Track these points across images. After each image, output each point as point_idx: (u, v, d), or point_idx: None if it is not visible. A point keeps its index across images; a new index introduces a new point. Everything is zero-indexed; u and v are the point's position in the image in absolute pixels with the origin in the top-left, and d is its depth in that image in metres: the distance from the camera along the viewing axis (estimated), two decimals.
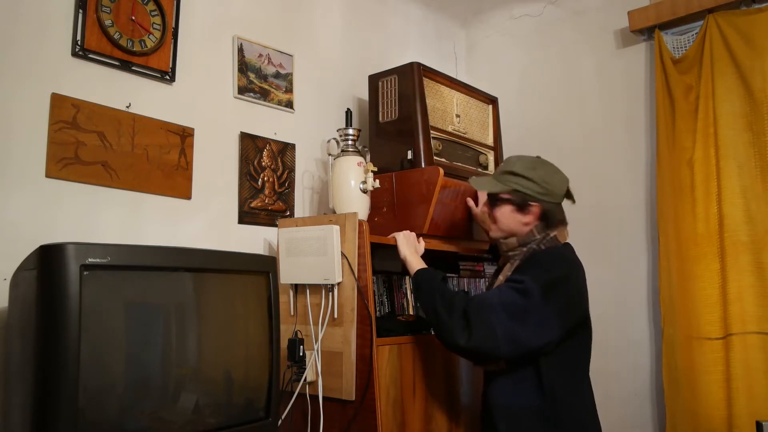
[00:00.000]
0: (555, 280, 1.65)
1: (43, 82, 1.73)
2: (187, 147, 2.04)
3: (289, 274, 2.00)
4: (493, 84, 2.99)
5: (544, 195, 1.75)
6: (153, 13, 1.97)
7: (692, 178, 2.39)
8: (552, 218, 1.77)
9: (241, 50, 2.24)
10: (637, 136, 2.66)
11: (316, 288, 1.97)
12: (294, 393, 1.90)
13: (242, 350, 1.70)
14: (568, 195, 1.82)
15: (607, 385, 2.46)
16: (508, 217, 1.78)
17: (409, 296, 2.24)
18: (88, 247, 1.34)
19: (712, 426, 2.24)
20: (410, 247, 1.94)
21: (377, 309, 2.06)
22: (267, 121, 2.31)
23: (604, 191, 2.72)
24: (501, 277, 1.79)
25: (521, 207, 1.76)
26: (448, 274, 2.45)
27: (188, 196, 2.04)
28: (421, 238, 2.05)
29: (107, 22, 1.85)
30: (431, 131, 2.29)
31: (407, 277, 2.25)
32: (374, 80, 2.41)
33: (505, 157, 2.66)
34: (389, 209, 2.20)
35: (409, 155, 2.24)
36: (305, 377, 1.90)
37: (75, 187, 1.77)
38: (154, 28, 1.97)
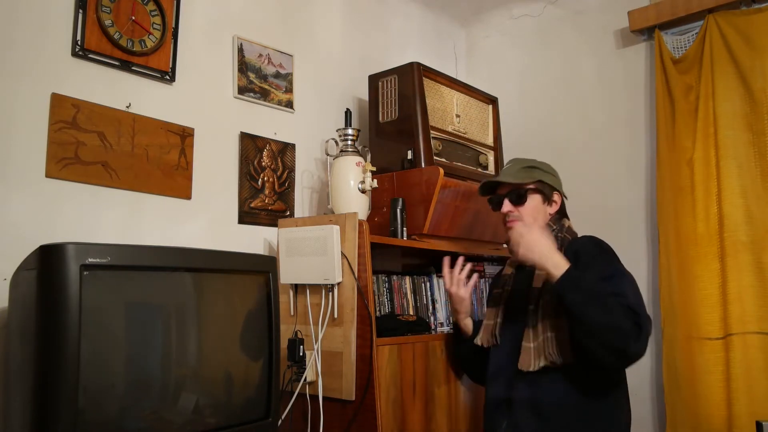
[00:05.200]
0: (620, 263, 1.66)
1: (43, 82, 1.73)
2: (187, 147, 2.04)
3: (289, 274, 2.00)
4: (493, 84, 2.99)
5: (560, 186, 1.82)
6: (153, 13, 1.97)
7: (692, 178, 2.39)
8: (564, 209, 1.83)
9: (241, 50, 2.24)
10: (637, 136, 2.66)
11: (316, 288, 1.97)
12: (294, 393, 1.91)
13: (242, 350, 1.70)
14: None
15: None
16: (537, 209, 1.77)
17: (409, 296, 2.24)
18: (88, 247, 1.33)
19: (712, 426, 2.24)
20: (541, 246, 1.56)
21: (377, 309, 2.06)
22: (267, 121, 2.31)
23: (604, 191, 2.72)
24: (540, 273, 1.67)
25: (548, 198, 1.79)
26: None
27: (188, 196, 2.04)
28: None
29: (107, 22, 1.85)
30: (431, 131, 2.29)
31: (407, 277, 2.25)
32: (374, 80, 2.42)
33: (505, 157, 2.67)
34: (389, 209, 2.20)
35: (409, 155, 2.24)
36: (305, 377, 1.90)
37: (75, 187, 1.77)
38: (154, 28, 1.97)
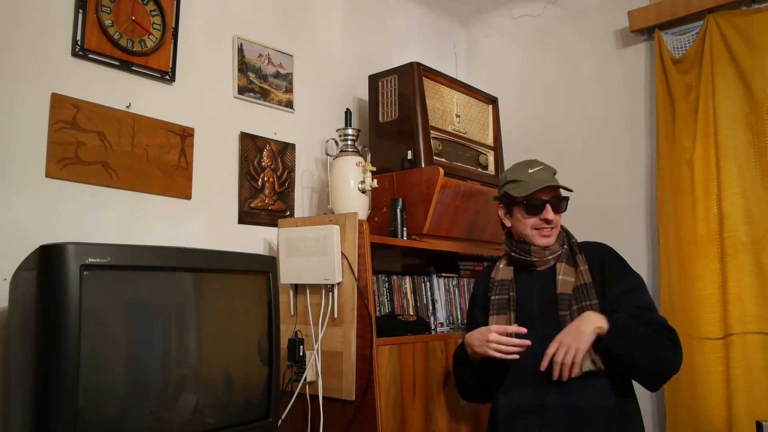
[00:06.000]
0: None
1: (43, 82, 1.73)
2: (187, 147, 2.04)
3: (289, 274, 2.00)
4: (493, 84, 2.99)
5: None
6: (153, 13, 1.97)
7: (692, 178, 2.39)
8: None
9: (241, 50, 2.24)
10: (637, 136, 2.66)
11: (316, 288, 1.98)
12: (294, 393, 1.91)
13: (242, 350, 1.70)
14: None
15: None
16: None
17: (409, 296, 2.24)
18: (88, 247, 1.33)
19: (712, 426, 2.24)
20: (573, 332, 1.56)
21: (377, 309, 2.06)
22: (267, 121, 2.31)
23: (604, 191, 2.72)
24: (566, 278, 1.67)
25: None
26: (448, 274, 2.45)
27: (188, 196, 2.04)
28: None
29: (107, 22, 1.85)
30: (431, 131, 2.29)
31: (407, 277, 2.25)
32: (374, 80, 2.42)
33: (505, 157, 2.67)
34: (389, 209, 2.20)
35: (409, 155, 2.24)
36: (305, 377, 1.90)
37: (75, 187, 1.77)
38: (154, 28, 1.97)
